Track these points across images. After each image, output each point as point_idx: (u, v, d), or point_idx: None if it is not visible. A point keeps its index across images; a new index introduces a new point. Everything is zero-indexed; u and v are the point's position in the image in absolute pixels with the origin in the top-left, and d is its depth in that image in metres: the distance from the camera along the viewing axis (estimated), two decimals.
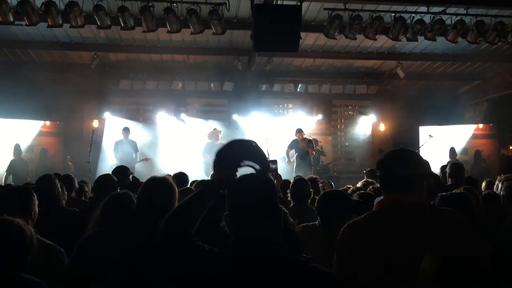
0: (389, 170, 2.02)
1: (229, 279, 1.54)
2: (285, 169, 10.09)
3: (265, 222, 1.60)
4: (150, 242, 2.13)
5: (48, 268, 2.30)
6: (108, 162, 11.05)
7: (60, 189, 3.59)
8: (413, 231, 1.87)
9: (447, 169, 5.21)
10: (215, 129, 11.37)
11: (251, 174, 1.68)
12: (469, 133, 12.38)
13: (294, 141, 10.66)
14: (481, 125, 12.44)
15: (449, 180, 5.00)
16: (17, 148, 10.63)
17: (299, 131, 10.65)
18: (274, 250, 1.59)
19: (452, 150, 11.37)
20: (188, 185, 4.84)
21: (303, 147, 10.41)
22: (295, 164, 10.41)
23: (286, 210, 2.52)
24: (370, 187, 4.59)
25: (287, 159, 10.63)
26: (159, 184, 2.45)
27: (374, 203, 2.15)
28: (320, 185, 5.63)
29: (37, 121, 11.61)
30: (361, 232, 1.93)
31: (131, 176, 5.17)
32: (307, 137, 10.63)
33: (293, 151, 10.65)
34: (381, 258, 1.82)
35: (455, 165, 5.33)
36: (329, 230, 2.58)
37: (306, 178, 5.06)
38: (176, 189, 2.47)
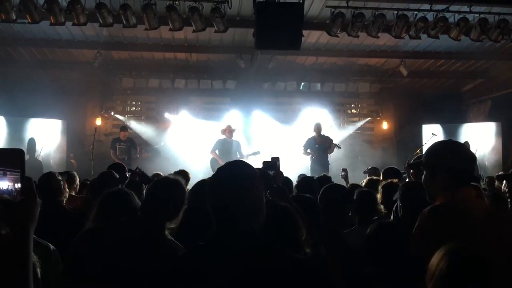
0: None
1: (205, 272, 1.52)
2: (304, 168, 9.83)
3: (248, 216, 1.60)
4: (149, 239, 2.14)
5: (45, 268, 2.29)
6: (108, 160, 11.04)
7: (62, 187, 3.60)
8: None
9: None
10: (229, 125, 10.79)
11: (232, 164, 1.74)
12: (475, 131, 12.23)
13: (309, 140, 10.37)
14: (489, 123, 12.22)
15: None
16: (31, 144, 10.01)
17: (318, 126, 10.35)
18: (253, 239, 1.58)
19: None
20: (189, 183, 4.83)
21: (321, 142, 10.21)
22: (310, 163, 10.18)
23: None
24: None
25: (311, 155, 10.18)
26: (169, 186, 2.43)
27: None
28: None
29: (41, 119, 11.60)
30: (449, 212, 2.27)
31: (127, 174, 5.16)
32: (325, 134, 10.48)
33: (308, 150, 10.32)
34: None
35: None
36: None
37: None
38: (183, 188, 2.46)
